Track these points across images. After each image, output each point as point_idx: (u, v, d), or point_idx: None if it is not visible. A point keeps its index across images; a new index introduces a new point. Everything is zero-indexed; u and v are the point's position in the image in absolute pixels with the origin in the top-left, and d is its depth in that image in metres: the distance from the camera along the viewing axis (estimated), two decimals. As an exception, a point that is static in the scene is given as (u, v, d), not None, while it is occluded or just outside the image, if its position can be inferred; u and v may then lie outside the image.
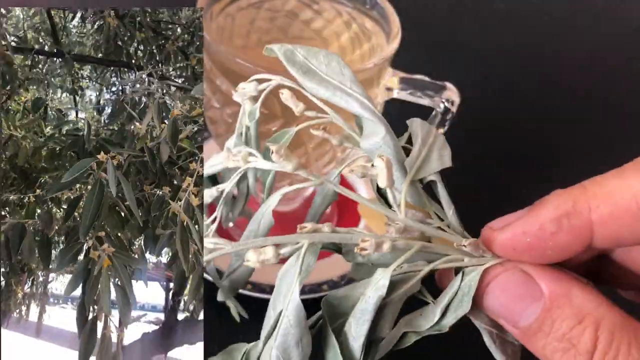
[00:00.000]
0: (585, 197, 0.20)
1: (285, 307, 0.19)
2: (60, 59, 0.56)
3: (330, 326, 0.20)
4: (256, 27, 0.39)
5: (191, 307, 0.53)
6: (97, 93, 0.63)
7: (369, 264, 0.21)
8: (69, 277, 0.35)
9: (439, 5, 0.77)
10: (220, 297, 0.24)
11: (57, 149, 0.46)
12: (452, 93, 0.37)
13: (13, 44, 0.54)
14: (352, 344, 0.20)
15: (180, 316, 0.55)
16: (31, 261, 0.38)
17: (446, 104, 0.37)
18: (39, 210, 0.41)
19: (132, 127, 0.43)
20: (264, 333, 0.20)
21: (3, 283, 0.59)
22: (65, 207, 0.39)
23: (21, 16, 0.61)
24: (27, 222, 0.38)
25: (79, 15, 0.56)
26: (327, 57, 0.22)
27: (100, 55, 0.58)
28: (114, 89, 0.62)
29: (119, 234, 0.37)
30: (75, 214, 0.37)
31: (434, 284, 0.22)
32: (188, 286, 0.37)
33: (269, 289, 0.41)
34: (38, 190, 0.44)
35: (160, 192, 0.38)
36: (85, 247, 0.34)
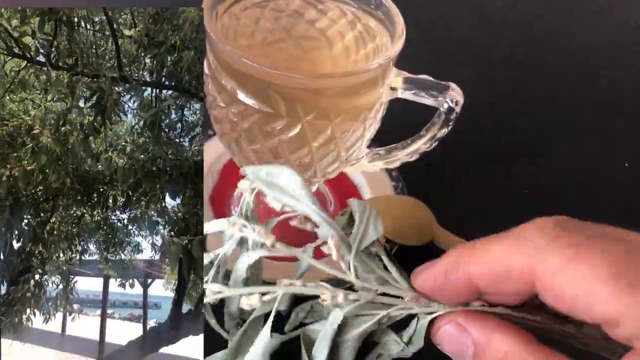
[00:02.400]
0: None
1: (255, 342, 0.26)
2: (127, 85, 0.62)
3: (306, 351, 0.27)
4: (261, 26, 0.39)
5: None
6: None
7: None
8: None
9: (442, 4, 0.77)
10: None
11: (155, 169, 0.57)
12: (456, 93, 0.37)
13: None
14: None
15: (185, 309, 0.57)
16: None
17: (450, 103, 0.37)
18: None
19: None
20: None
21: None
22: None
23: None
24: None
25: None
26: (282, 172, 0.29)
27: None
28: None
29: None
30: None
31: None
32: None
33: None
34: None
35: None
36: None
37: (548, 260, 0.23)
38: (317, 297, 0.28)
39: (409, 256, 0.42)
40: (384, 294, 0.28)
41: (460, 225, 0.45)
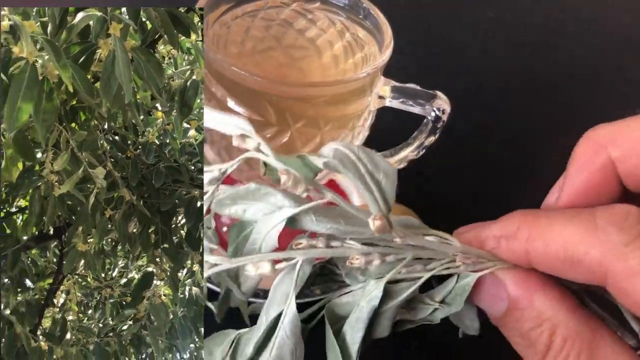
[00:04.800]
0: (529, 226, 0.22)
1: (282, 319, 0.21)
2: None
3: (333, 332, 0.21)
4: (251, 35, 0.40)
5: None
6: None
7: (366, 278, 0.22)
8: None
9: (431, 14, 0.78)
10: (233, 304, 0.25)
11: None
12: (442, 102, 0.38)
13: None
14: (349, 348, 0.21)
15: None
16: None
17: (437, 112, 0.38)
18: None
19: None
20: (255, 338, 0.21)
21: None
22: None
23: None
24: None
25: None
26: None
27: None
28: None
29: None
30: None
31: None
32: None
33: (263, 294, 0.41)
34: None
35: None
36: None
37: (627, 260, 0.19)
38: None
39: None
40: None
41: (448, 232, 0.46)
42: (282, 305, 0.21)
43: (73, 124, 0.40)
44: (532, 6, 0.82)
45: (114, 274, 0.55)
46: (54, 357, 0.49)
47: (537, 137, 0.61)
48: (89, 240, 0.45)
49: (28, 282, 0.50)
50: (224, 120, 0.22)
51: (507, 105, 0.65)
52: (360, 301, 0.21)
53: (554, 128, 0.63)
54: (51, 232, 0.48)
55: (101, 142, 0.44)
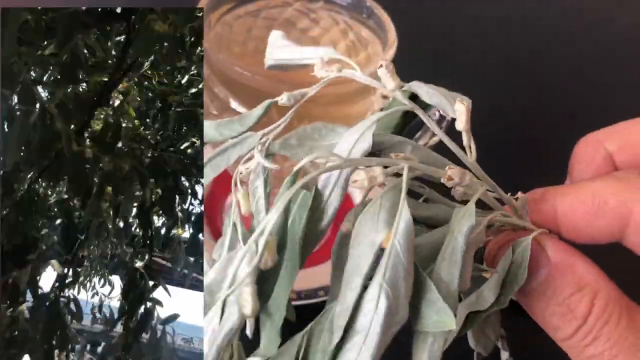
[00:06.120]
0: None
1: (394, 230, 0.17)
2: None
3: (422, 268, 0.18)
4: (253, 35, 0.39)
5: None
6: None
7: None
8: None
9: (435, 13, 0.78)
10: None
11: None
12: (447, 101, 0.38)
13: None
14: (449, 286, 0.18)
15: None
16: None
17: (441, 112, 0.38)
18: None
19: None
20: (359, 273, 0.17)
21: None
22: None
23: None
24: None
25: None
26: None
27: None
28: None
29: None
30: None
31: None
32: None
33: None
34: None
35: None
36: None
37: None
38: None
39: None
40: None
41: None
42: (397, 219, 0.17)
43: None
44: (534, 6, 0.82)
45: (182, 81, 0.42)
46: (101, 166, 0.38)
47: (545, 135, 0.61)
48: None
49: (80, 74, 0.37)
50: (305, 54, 0.22)
51: (515, 104, 0.65)
52: (454, 226, 0.19)
53: (562, 125, 0.62)
54: (118, 10, 0.36)
55: None
